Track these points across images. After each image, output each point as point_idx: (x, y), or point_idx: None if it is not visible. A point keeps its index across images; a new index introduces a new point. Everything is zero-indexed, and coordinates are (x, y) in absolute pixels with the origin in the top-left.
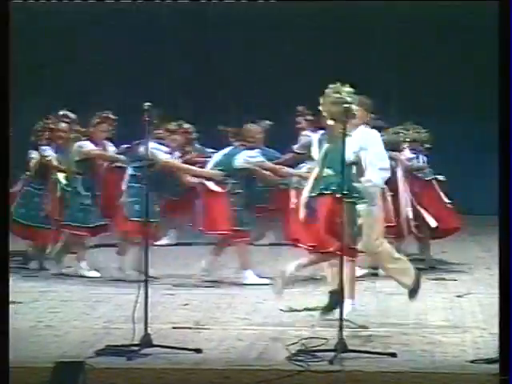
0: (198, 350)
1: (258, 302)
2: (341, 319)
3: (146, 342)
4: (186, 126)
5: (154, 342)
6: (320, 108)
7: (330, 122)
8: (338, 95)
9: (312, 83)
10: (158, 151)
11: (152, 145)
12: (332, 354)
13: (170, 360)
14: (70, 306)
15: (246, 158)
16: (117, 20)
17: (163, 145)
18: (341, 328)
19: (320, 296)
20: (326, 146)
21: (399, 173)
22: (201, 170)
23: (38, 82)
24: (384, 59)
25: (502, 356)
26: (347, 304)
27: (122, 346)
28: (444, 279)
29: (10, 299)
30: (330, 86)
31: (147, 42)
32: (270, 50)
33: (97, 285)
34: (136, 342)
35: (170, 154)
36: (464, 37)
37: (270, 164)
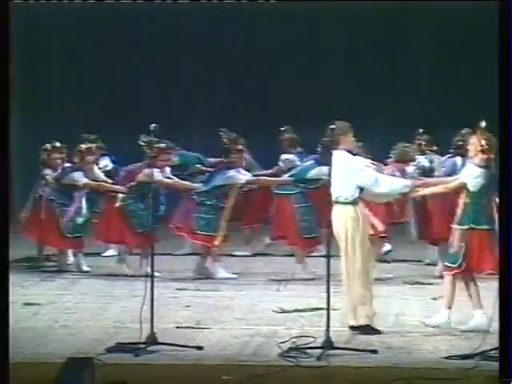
0: (199, 348)
1: (253, 304)
2: (327, 319)
3: (152, 340)
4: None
5: (160, 340)
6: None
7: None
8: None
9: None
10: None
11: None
12: (320, 351)
13: (174, 356)
14: (83, 307)
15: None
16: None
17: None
18: (328, 327)
19: (309, 298)
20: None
21: None
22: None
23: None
24: None
25: (502, 358)
26: (478, 314)
27: (131, 343)
28: (421, 283)
29: (30, 301)
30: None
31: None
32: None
33: (107, 288)
34: (143, 340)
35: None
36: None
37: None
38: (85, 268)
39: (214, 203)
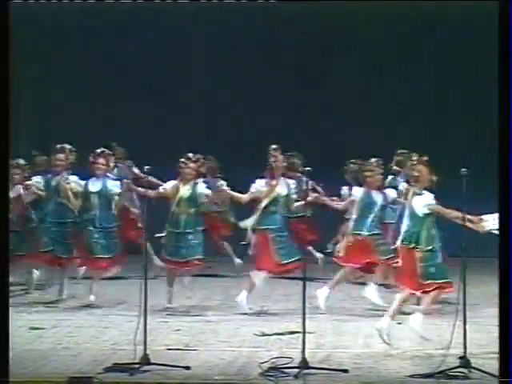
0: (187, 368)
1: (237, 328)
2: (303, 341)
3: (145, 360)
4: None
5: (152, 361)
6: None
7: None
8: None
9: None
10: None
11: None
12: (296, 370)
13: (165, 375)
14: (83, 331)
15: None
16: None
17: None
18: (303, 349)
19: (287, 323)
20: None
21: None
22: None
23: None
24: None
25: (503, 358)
26: None
27: (126, 364)
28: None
29: (35, 326)
30: None
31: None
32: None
33: (105, 313)
34: (137, 361)
35: None
36: None
37: None
38: None
39: None
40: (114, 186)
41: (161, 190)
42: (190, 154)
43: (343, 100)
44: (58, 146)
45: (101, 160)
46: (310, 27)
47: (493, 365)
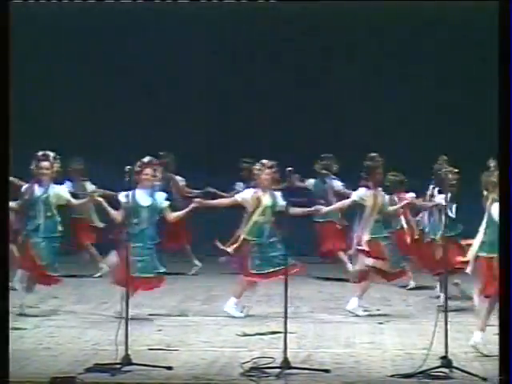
0: (169, 368)
1: (219, 328)
2: (285, 342)
3: (127, 360)
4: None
5: (133, 361)
6: None
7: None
8: None
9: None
10: None
11: None
12: (278, 370)
13: (146, 376)
14: (64, 331)
15: None
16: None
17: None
18: (285, 349)
19: (268, 323)
20: None
21: None
22: None
23: None
24: None
25: (502, 357)
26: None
27: (107, 364)
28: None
29: (16, 326)
30: None
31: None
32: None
33: (86, 314)
34: (118, 361)
35: None
36: None
37: None
38: None
39: None
40: (164, 199)
41: (238, 198)
42: (265, 161)
43: (343, 100)
44: (40, 153)
45: (148, 170)
46: (310, 27)
47: (474, 365)
